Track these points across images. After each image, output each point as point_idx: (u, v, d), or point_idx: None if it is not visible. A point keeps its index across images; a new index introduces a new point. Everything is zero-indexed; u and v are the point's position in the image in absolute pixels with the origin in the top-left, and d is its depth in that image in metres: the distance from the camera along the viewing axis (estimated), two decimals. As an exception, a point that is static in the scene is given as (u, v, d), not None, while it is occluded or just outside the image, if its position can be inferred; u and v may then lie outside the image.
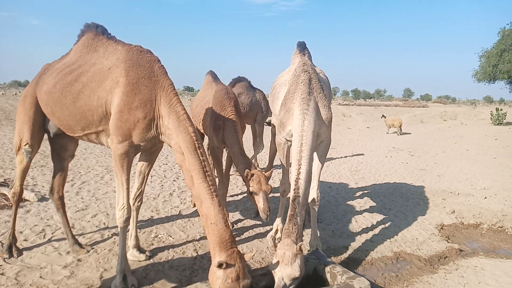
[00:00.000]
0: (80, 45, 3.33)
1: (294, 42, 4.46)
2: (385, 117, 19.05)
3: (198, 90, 5.84)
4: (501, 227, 5.03)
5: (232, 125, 4.20)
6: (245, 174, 3.77)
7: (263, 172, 3.84)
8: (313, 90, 3.64)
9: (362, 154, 11.18)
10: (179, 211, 5.10)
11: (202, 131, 4.99)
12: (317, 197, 3.85)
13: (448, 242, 4.44)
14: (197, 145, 2.79)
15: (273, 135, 4.58)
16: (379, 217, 5.26)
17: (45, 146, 3.87)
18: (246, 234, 4.43)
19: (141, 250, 3.67)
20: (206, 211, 2.69)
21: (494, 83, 27.12)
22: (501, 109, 24.14)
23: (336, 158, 10.36)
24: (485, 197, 6.39)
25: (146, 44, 3.29)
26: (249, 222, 4.82)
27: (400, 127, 17.44)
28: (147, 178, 3.56)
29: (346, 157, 10.63)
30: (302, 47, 4.20)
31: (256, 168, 3.95)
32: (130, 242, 3.59)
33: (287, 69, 4.40)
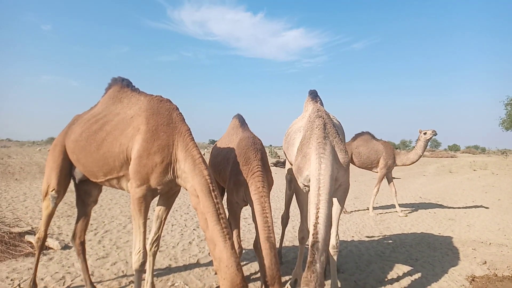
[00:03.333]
0: (107, 97, 3.62)
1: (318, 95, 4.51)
2: None
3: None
4: (540, 280, 4.66)
5: (258, 185, 3.38)
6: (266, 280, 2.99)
7: None
8: (328, 135, 3.70)
9: (389, 207, 10.86)
10: (197, 260, 5.06)
11: (221, 184, 4.27)
12: (336, 244, 3.75)
13: (481, 295, 4.15)
14: (211, 188, 2.87)
15: (288, 181, 4.59)
16: (405, 268, 5.01)
17: (73, 197, 4.05)
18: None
19: (156, 297, 3.63)
20: (219, 254, 2.70)
21: (523, 131, 26.33)
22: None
23: (360, 208, 10.10)
24: (520, 248, 6.00)
25: (176, 102, 3.48)
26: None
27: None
28: (164, 223, 3.63)
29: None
30: (314, 95, 4.35)
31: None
32: (146, 288, 3.58)
33: (300, 116, 4.52)
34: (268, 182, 3.58)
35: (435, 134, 8.69)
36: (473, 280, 4.62)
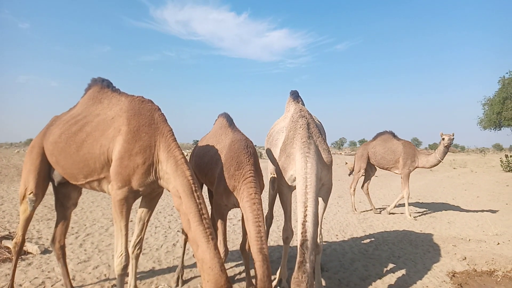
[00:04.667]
0: (86, 97, 3.54)
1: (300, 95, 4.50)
2: (347, 163, 19.63)
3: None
4: (517, 274, 4.80)
5: (251, 192, 3.24)
6: None
7: None
8: (312, 134, 3.72)
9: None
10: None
11: (208, 186, 4.17)
12: (320, 242, 3.77)
13: (461, 290, 4.24)
14: (194, 188, 2.83)
15: (271, 182, 4.59)
16: (388, 265, 5.08)
17: (52, 199, 3.95)
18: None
19: (139, 301, 3.57)
20: (202, 255, 2.67)
21: (500, 130, 27.13)
22: (511, 156, 23.93)
23: (344, 206, 10.20)
24: (498, 243, 6.17)
25: (157, 103, 3.37)
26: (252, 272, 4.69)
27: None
28: (147, 225, 3.57)
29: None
30: (296, 95, 4.36)
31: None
32: (129, 292, 3.51)
33: (282, 117, 4.52)
34: (260, 187, 3.46)
35: (452, 139, 8.14)
36: (453, 275, 4.72)
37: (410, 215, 8.64)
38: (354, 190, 9.67)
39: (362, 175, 9.91)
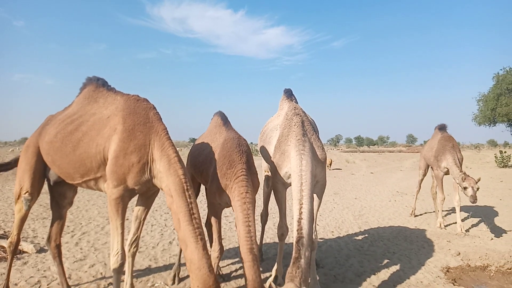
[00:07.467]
0: (82, 96, 3.53)
1: (296, 93, 4.53)
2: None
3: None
4: (510, 269, 4.87)
5: (242, 191, 3.20)
6: None
7: None
8: (306, 132, 3.74)
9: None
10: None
11: (204, 184, 4.19)
12: (315, 239, 3.79)
13: (455, 285, 4.29)
14: (185, 187, 2.83)
15: (265, 179, 4.61)
16: (383, 261, 5.12)
17: (48, 198, 3.94)
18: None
19: (136, 299, 3.58)
20: (190, 255, 2.66)
21: (495, 125, 27.35)
22: (505, 152, 24.13)
23: (340, 203, 10.25)
24: (492, 239, 6.25)
25: (153, 101, 3.33)
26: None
27: (330, 165, 22.72)
28: (143, 223, 3.57)
29: (349, 202, 10.52)
30: (289, 94, 4.38)
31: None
32: (125, 290, 3.51)
33: (276, 114, 4.54)
34: (254, 185, 3.42)
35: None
36: (447, 271, 4.77)
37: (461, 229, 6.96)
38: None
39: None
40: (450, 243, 6.03)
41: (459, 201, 7.14)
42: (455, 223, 7.13)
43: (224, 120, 4.19)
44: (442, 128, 7.89)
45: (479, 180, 6.64)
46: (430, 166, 8.09)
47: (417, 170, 9.22)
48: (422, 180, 8.79)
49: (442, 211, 7.58)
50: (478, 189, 6.50)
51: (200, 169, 3.98)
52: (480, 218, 7.87)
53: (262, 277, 4.34)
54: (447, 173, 7.37)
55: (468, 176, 6.66)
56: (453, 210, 8.83)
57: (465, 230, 6.88)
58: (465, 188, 6.58)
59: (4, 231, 5.99)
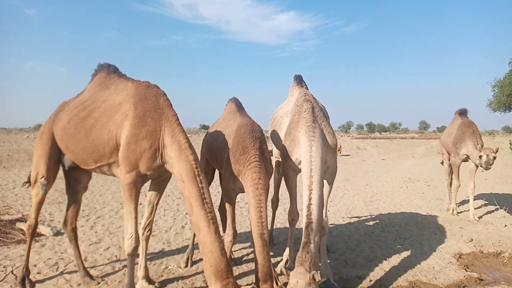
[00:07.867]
0: (93, 83, 3.56)
1: (307, 79, 4.50)
2: None
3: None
4: (524, 256, 4.82)
5: (254, 177, 3.20)
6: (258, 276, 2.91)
7: None
8: (317, 118, 3.72)
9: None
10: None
11: (219, 169, 4.21)
12: (325, 224, 3.81)
13: (467, 271, 4.28)
14: (196, 173, 2.87)
15: (276, 165, 4.61)
16: (394, 246, 5.13)
17: (63, 183, 4.03)
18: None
19: (150, 281, 3.67)
20: (203, 239, 2.72)
21: (510, 112, 26.69)
22: (521, 138, 23.66)
23: (351, 189, 10.24)
24: (505, 225, 6.18)
25: (164, 88, 3.34)
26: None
27: (339, 151, 21.21)
28: (156, 208, 3.63)
29: (360, 188, 10.50)
30: (300, 80, 4.34)
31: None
32: (139, 272, 3.60)
33: (286, 101, 4.51)
34: (267, 171, 3.42)
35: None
36: (460, 257, 4.75)
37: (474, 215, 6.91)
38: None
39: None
40: (463, 229, 5.99)
41: (473, 189, 7.04)
42: (468, 210, 7.07)
43: (239, 106, 4.19)
44: (462, 113, 7.53)
45: (497, 150, 6.53)
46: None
47: (428, 157, 8.99)
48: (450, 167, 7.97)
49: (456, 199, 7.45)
50: (495, 158, 6.39)
51: (215, 155, 4.02)
52: (494, 205, 7.76)
53: (273, 261, 4.41)
54: (465, 160, 7.15)
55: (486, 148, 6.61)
56: (466, 200, 8.65)
57: (478, 217, 6.81)
58: (480, 157, 6.50)
59: (22, 215, 6.16)
